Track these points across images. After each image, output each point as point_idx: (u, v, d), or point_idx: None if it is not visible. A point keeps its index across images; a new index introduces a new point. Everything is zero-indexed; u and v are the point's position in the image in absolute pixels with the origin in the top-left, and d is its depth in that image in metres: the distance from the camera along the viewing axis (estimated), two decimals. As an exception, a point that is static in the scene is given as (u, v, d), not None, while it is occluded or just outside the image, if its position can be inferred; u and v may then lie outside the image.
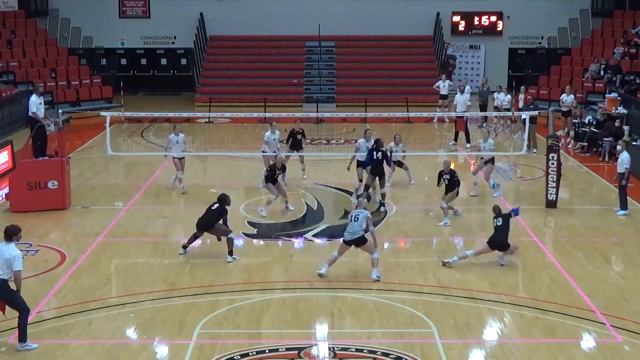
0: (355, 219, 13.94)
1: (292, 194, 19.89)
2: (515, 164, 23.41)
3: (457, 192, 17.68)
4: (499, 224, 14.69)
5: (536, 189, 20.43)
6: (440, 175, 17.59)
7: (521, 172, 22.47)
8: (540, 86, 33.48)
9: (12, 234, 11.36)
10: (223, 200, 15.14)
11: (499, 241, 14.62)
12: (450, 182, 17.46)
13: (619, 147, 18.80)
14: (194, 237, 15.29)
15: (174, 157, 20.01)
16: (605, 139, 24.16)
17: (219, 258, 15.27)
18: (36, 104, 21.27)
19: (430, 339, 11.69)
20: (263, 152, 20.51)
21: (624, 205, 18.11)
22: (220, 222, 15.04)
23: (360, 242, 13.95)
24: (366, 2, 38.18)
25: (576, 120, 26.95)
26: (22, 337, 11.26)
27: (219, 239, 15.19)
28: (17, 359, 11.10)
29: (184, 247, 15.31)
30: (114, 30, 38.68)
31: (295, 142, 21.12)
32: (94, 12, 38.16)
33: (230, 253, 15.05)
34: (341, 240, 14.36)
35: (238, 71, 37.48)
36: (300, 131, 21.31)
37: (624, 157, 17.96)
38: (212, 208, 15.10)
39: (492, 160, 19.85)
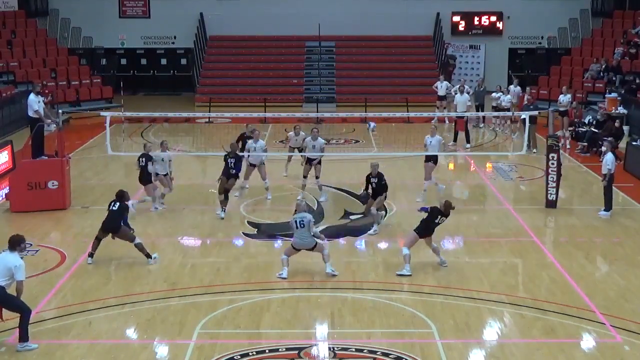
0: (302, 225, 13.97)
1: (292, 193, 19.92)
2: (516, 164, 23.41)
3: (385, 197, 17.05)
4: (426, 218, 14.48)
5: (536, 189, 20.44)
6: (368, 179, 16.92)
7: (521, 172, 22.47)
8: (540, 86, 33.48)
9: (16, 243, 11.39)
10: (122, 196, 14.85)
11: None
12: (378, 185, 16.79)
13: (603, 148, 18.74)
14: (97, 241, 14.82)
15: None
16: (605, 139, 24.13)
17: (219, 258, 15.30)
18: (36, 103, 21.27)
19: (430, 339, 11.69)
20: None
21: (607, 206, 18.05)
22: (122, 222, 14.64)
23: (311, 249, 14.16)
24: (366, 2, 38.23)
25: (576, 120, 26.98)
26: (23, 338, 11.26)
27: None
28: (17, 358, 11.10)
29: (90, 255, 14.84)
30: (114, 30, 38.73)
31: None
32: (94, 12, 38.21)
33: (148, 256, 14.73)
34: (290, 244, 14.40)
35: (238, 71, 37.51)
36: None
37: (608, 159, 17.91)
38: (113, 208, 14.68)
39: (434, 159, 19.30)
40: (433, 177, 19.38)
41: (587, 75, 32.23)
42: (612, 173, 17.81)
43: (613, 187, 18.27)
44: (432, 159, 19.28)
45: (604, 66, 31.71)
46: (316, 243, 14.21)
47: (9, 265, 11.13)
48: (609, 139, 20.12)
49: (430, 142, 19.24)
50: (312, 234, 14.13)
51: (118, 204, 14.74)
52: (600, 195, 18.41)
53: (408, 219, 17.93)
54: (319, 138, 19.51)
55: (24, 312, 11.29)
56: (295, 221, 14.03)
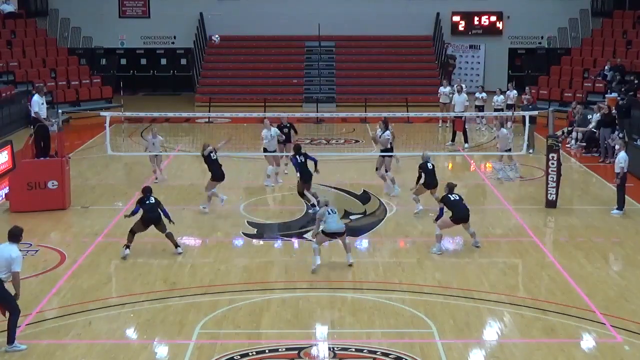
0: (334, 212, 14.69)
1: (292, 193, 19.91)
2: (516, 164, 23.37)
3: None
4: (456, 198, 15.50)
5: (536, 189, 20.43)
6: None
7: (521, 172, 22.44)
8: (540, 86, 33.45)
9: (17, 235, 11.39)
10: (150, 191, 15.46)
11: (466, 213, 15.42)
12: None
13: (617, 147, 18.75)
14: (132, 235, 15.29)
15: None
16: (617, 136, 23.98)
17: (219, 258, 15.30)
18: (38, 104, 21.25)
19: (430, 339, 11.69)
20: (264, 149, 20.76)
21: (620, 205, 18.09)
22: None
23: (342, 234, 14.64)
24: (366, 2, 38.21)
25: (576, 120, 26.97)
26: (11, 339, 11.20)
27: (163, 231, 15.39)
28: (17, 359, 11.10)
29: (127, 247, 15.23)
30: (113, 30, 38.71)
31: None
32: (94, 12, 38.20)
33: (176, 245, 15.35)
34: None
35: (238, 71, 37.50)
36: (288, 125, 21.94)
37: (620, 157, 17.96)
38: (150, 201, 15.22)
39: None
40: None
41: (598, 76, 32.05)
42: (625, 172, 17.85)
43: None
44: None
45: (612, 67, 31.64)
46: (345, 229, 14.78)
47: (7, 257, 11.04)
48: (620, 135, 20.03)
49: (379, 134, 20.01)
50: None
51: (153, 198, 15.33)
52: (600, 195, 18.43)
53: (408, 218, 17.96)
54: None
55: (14, 312, 11.20)
56: (328, 210, 14.62)
